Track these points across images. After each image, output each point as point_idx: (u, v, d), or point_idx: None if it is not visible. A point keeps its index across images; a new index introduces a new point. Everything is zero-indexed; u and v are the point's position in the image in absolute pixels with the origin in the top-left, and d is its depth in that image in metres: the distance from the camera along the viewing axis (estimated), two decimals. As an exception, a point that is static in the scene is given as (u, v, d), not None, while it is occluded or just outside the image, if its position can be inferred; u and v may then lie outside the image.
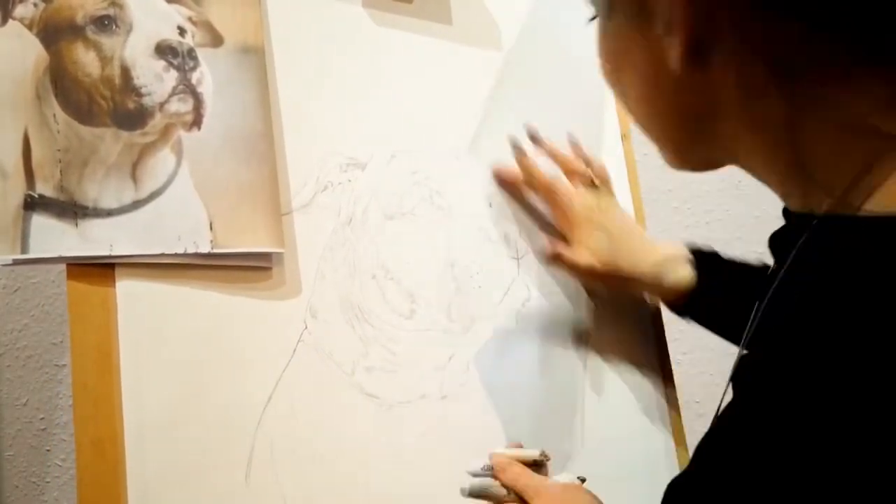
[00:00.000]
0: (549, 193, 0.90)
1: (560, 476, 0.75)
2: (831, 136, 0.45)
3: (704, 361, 1.58)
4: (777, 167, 0.49)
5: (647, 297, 0.97)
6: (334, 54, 0.86)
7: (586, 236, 0.88)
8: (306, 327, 0.79)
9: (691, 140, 0.52)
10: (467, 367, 0.85)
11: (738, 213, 1.74)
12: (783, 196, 0.51)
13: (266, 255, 0.78)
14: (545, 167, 0.90)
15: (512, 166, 0.91)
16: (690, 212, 1.71)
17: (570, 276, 0.92)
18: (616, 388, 0.93)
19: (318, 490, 0.77)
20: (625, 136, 1.01)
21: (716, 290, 0.86)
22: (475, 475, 0.75)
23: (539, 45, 0.98)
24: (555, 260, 0.88)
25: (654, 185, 1.71)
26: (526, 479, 0.72)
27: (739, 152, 0.50)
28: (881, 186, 0.44)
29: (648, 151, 1.71)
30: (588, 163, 0.91)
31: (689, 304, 0.88)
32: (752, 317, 0.52)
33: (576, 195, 0.89)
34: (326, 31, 0.86)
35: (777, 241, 0.53)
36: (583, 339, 0.92)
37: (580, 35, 0.99)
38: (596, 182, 0.90)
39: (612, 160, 0.99)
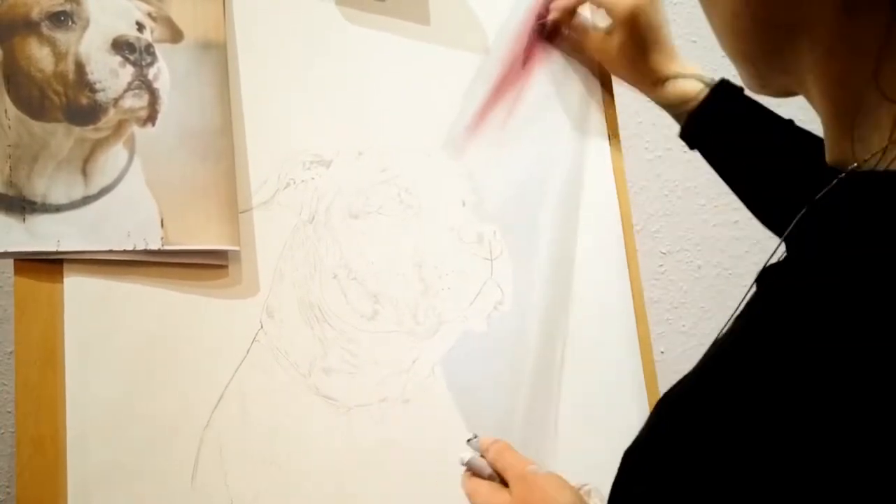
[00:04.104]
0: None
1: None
2: None
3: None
4: (841, 101, 0.47)
5: (629, 298, 0.93)
6: (301, 50, 0.84)
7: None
8: (262, 327, 0.78)
9: (771, 65, 0.51)
10: (432, 371, 0.83)
11: (771, 211, 1.66)
12: (829, 142, 0.50)
13: (221, 253, 0.77)
14: None
15: (490, 166, 0.89)
16: (717, 210, 1.64)
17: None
18: (593, 393, 0.89)
19: (267, 493, 0.75)
20: (612, 136, 0.96)
21: (721, 120, 0.86)
22: (468, 441, 0.70)
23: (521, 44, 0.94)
24: None
25: (679, 182, 1.65)
26: (509, 459, 0.66)
27: (811, 76, 0.48)
28: None
29: (672, 146, 1.66)
30: None
31: (693, 124, 0.88)
32: (768, 259, 0.52)
33: None
34: (294, 27, 0.85)
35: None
36: (559, 341, 0.89)
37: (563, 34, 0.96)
38: None
39: (599, 160, 0.95)
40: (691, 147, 0.89)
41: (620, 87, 0.96)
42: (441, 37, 0.90)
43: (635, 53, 0.90)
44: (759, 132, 0.85)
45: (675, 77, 0.88)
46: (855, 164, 0.46)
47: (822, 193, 0.47)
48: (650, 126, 1.58)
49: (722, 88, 0.86)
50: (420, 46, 0.89)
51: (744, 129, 0.85)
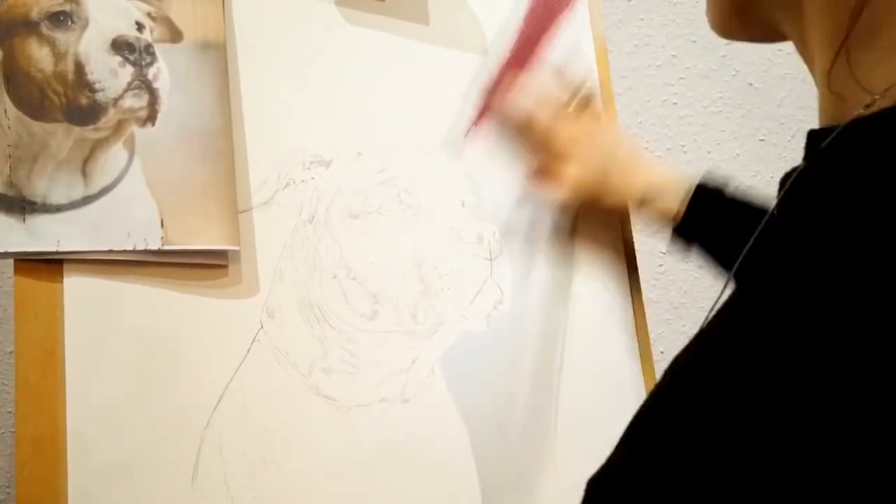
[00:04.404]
0: (524, 131, 0.88)
1: None
2: None
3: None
4: (832, 40, 0.45)
5: (629, 299, 0.93)
6: (301, 50, 0.84)
7: (574, 153, 0.86)
8: (262, 327, 0.78)
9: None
10: (432, 370, 0.83)
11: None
12: (821, 86, 0.47)
13: (221, 253, 0.77)
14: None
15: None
16: (717, 210, 1.65)
17: (556, 202, 0.89)
18: (593, 393, 0.89)
19: (267, 493, 0.75)
20: (612, 134, 0.96)
21: (705, 231, 0.83)
22: None
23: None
24: (540, 176, 0.86)
25: (678, 182, 1.65)
26: None
27: (798, 13, 0.46)
28: None
29: (672, 146, 1.65)
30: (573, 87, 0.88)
31: (678, 236, 0.85)
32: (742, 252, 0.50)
33: (555, 123, 0.87)
34: (293, 27, 0.85)
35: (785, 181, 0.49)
36: (559, 341, 0.89)
37: (563, 34, 0.96)
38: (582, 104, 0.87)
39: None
40: (690, 243, 0.86)
41: (620, 87, 0.96)
42: (440, 37, 0.90)
43: (604, 190, 0.88)
44: (744, 222, 0.81)
45: (651, 196, 0.86)
46: (871, 101, 0.44)
47: (832, 137, 0.45)
48: (650, 126, 1.58)
49: (697, 198, 0.83)
50: (419, 46, 0.90)
51: (728, 226, 0.81)
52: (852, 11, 0.43)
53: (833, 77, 0.46)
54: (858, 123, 0.43)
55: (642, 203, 0.87)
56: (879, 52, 0.43)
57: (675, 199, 0.84)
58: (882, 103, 0.43)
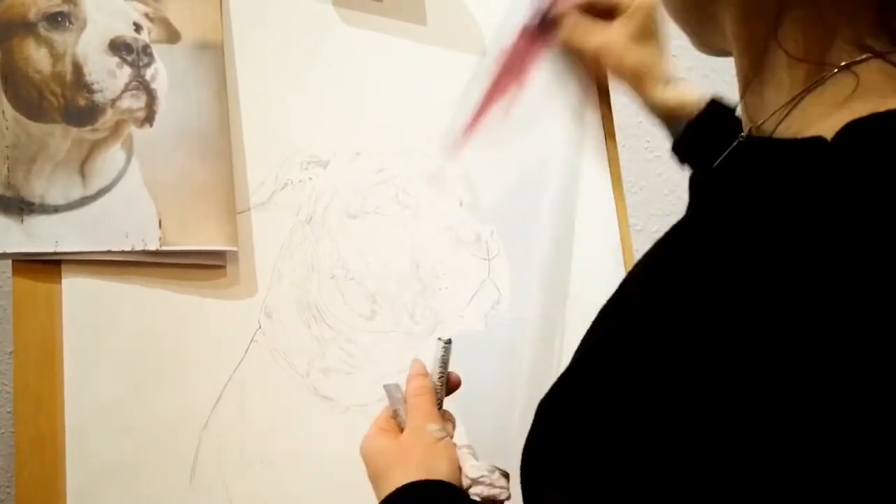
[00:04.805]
0: None
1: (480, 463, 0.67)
2: (806, 35, 0.43)
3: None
4: (750, 62, 0.47)
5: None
6: (298, 50, 0.85)
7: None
8: (260, 327, 0.78)
9: (702, 26, 0.52)
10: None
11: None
12: (742, 107, 0.50)
13: (219, 254, 0.77)
14: None
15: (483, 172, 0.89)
16: (716, 210, 1.64)
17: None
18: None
19: (265, 493, 0.76)
20: (609, 137, 0.96)
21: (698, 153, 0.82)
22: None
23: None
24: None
25: (679, 182, 1.65)
26: (419, 404, 0.67)
27: (730, 37, 0.49)
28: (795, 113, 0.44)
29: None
30: None
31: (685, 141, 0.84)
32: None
33: None
34: (291, 28, 0.85)
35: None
36: (557, 341, 0.89)
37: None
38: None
39: (596, 160, 0.95)
40: (682, 161, 0.85)
41: (620, 88, 0.96)
42: (438, 37, 0.90)
43: (645, 46, 0.86)
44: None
45: (674, 80, 0.86)
46: (751, 127, 0.46)
47: (719, 160, 0.47)
48: (650, 126, 1.58)
49: (716, 103, 0.82)
50: (417, 47, 0.90)
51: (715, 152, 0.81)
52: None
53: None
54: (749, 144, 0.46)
55: (669, 80, 0.85)
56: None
57: (693, 92, 0.84)
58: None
